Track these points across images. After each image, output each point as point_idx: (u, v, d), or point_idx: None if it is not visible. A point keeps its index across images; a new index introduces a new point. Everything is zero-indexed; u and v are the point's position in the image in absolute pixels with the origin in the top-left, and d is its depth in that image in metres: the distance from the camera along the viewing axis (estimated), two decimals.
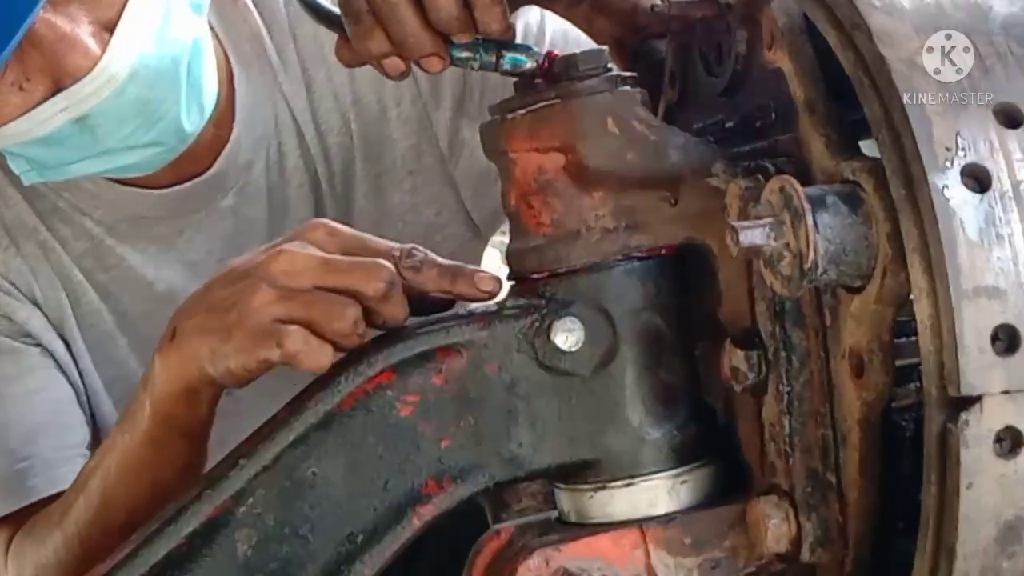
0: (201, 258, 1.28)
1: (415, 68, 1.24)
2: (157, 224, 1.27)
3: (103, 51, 1.07)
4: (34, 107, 1.07)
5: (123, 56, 1.07)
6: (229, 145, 1.25)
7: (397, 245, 0.92)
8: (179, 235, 1.28)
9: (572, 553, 0.84)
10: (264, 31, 1.29)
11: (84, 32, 1.06)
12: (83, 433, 1.27)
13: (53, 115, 1.07)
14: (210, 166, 1.25)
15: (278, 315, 0.88)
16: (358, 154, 1.31)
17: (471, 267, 0.91)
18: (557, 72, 0.87)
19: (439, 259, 0.91)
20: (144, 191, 1.24)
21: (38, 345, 1.26)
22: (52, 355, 1.27)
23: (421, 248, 0.92)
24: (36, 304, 1.27)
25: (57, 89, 1.07)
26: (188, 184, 1.25)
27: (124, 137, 1.12)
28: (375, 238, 0.94)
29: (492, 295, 0.89)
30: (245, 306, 0.90)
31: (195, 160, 1.23)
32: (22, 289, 1.27)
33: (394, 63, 0.93)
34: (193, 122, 1.16)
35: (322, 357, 0.86)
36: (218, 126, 1.24)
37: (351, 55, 0.95)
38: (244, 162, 1.27)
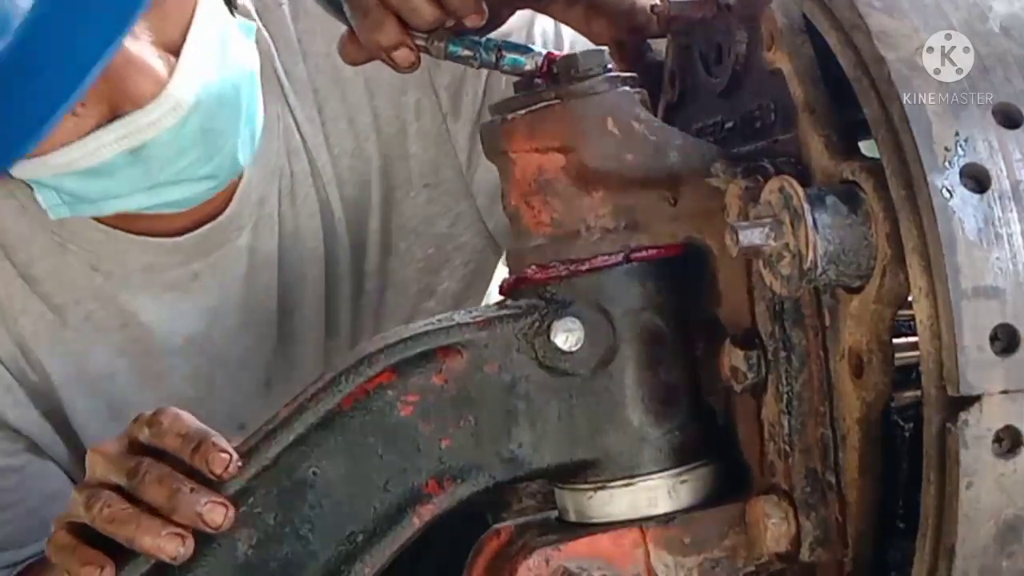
0: (218, 303, 1.22)
1: (434, 80, 1.23)
2: (171, 272, 1.20)
3: (170, 75, 1.00)
4: (86, 134, 0.99)
5: (189, 82, 1.01)
6: (242, 184, 1.19)
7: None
8: (194, 279, 1.21)
9: (572, 553, 0.84)
10: (272, 49, 1.22)
11: (150, 55, 1.00)
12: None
13: (108, 144, 1.00)
14: (224, 207, 1.19)
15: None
16: (374, 175, 1.26)
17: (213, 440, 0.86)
18: (557, 72, 0.87)
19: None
20: (157, 240, 1.17)
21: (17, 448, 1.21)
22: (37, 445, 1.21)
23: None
24: (34, 391, 1.20)
25: (113, 116, 1.00)
26: (203, 229, 1.18)
27: (179, 170, 1.06)
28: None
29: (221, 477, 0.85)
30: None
31: (209, 203, 1.17)
32: (13, 373, 1.20)
33: (404, 54, 0.93)
34: (245, 154, 1.10)
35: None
36: None
37: (357, 51, 0.95)
38: (257, 198, 1.21)
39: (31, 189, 1.09)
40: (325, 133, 1.24)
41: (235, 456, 0.84)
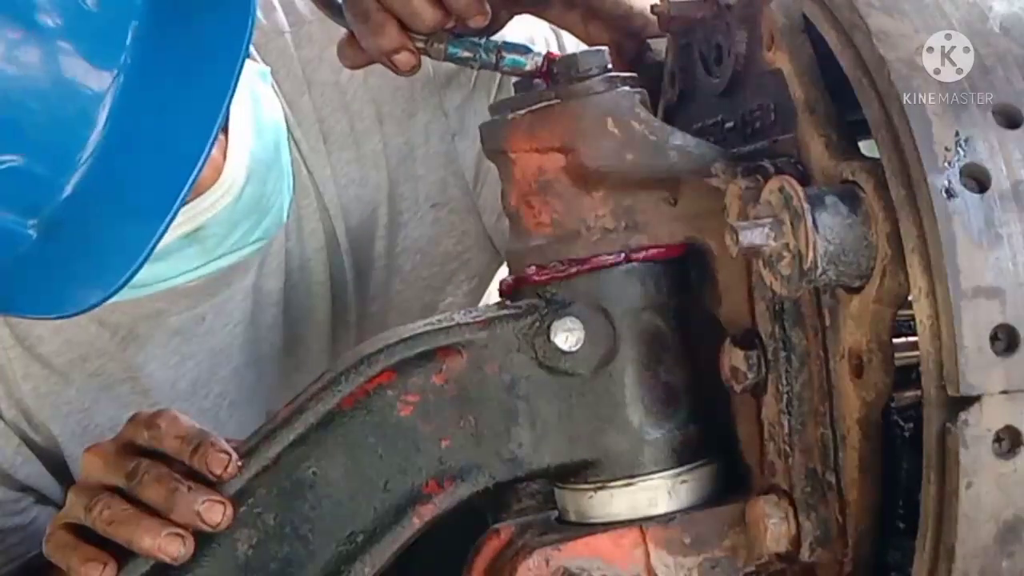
0: (224, 345, 1.20)
1: (443, 102, 1.21)
2: (178, 314, 1.17)
3: (223, 156, 0.98)
4: None
5: (240, 157, 1.00)
6: None
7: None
8: (200, 322, 1.18)
9: (572, 553, 0.84)
10: (276, 81, 1.18)
11: None
12: None
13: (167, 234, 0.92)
14: None
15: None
16: (380, 201, 1.23)
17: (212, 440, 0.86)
18: (557, 73, 0.87)
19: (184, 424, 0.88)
20: (167, 285, 1.11)
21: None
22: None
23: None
24: (39, 449, 1.20)
25: None
26: (213, 269, 1.14)
27: (235, 241, 1.04)
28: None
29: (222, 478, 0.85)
30: None
31: None
32: (19, 435, 1.19)
33: (405, 58, 0.93)
34: (287, 206, 1.09)
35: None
36: None
37: (357, 55, 0.95)
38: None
39: None
40: (331, 164, 1.21)
41: (234, 456, 0.84)
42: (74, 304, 0.90)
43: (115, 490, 0.87)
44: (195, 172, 0.87)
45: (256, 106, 1.05)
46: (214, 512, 0.83)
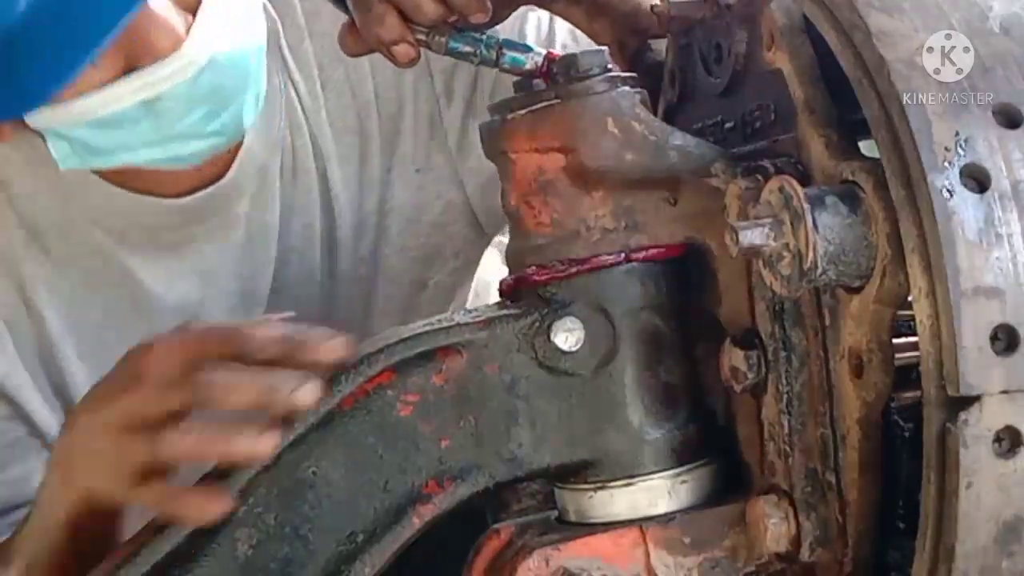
0: (214, 268, 1.25)
1: (430, 64, 1.24)
2: (170, 233, 1.22)
3: (187, 33, 1.04)
4: (105, 84, 1.03)
5: (204, 40, 1.05)
6: (243, 150, 1.21)
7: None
8: (191, 243, 1.23)
9: (572, 552, 0.84)
10: (279, 26, 1.25)
11: (170, 12, 1.04)
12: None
13: (124, 95, 1.04)
14: (225, 172, 1.21)
15: (156, 414, 0.87)
16: (374, 152, 1.29)
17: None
18: (557, 73, 0.87)
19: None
20: (159, 200, 1.20)
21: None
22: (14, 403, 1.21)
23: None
24: (29, 342, 1.21)
25: (130, 68, 1.04)
26: (204, 192, 1.20)
27: (189, 125, 1.09)
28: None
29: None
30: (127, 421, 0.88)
31: (212, 165, 1.19)
32: (9, 323, 1.21)
33: (404, 49, 0.93)
34: (249, 117, 1.14)
35: (216, 447, 0.85)
36: None
37: (357, 43, 0.95)
38: (258, 168, 1.24)
39: (42, 141, 1.11)
40: (328, 109, 1.26)
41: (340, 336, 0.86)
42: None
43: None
44: (129, 11, 0.99)
45: (235, 15, 1.09)
46: (307, 392, 0.84)
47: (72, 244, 1.21)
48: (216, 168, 1.21)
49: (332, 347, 0.87)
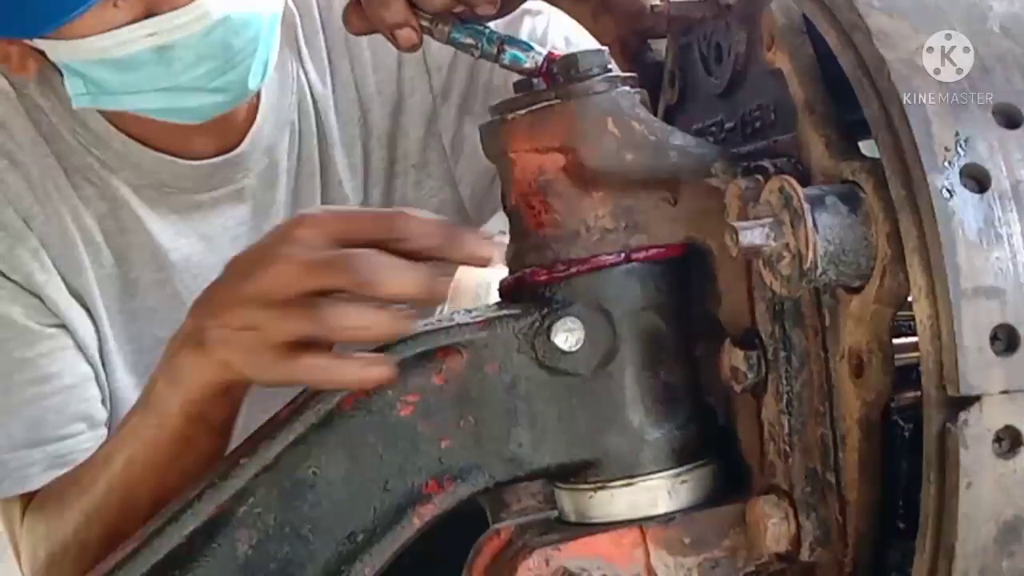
0: (217, 233, 1.30)
1: (427, 60, 1.29)
2: (179, 194, 1.28)
3: None
4: (122, 26, 1.09)
5: (218, 1, 1.11)
6: (255, 126, 1.28)
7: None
8: (198, 208, 1.29)
9: (572, 553, 0.84)
10: (297, 18, 1.32)
11: None
12: (99, 415, 1.26)
13: (138, 38, 1.10)
14: (238, 144, 1.27)
15: (308, 289, 0.84)
16: (377, 145, 1.34)
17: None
18: (557, 73, 0.87)
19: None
20: (172, 159, 1.26)
21: (54, 324, 1.24)
22: (69, 329, 1.25)
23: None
24: (56, 268, 1.25)
25: (149, 14, 1.09)
26: (215, 159, 1.27)
27: (197, 76, 1.14)
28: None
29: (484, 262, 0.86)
30: (268, 296, 0.85)
31: (224, 136, 1.26)
32: (48, 250, 1.25)
33: (407, 34, 0.94)
34: (255, 81, 1.19)
35: (382, 325, 0.83)
36: (249, 106, 1.27)
37: (360, 22, 0.95)
38: (267, 145, 1.29)
39: (61, 78, 1.17)
40: (335, 99, 1.32)
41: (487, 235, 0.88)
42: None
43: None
44: None
45: None
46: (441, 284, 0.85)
47: (90, 188, 1.27)
48: (230, 140, 1.27)
49: (487, 244, 0.86)
